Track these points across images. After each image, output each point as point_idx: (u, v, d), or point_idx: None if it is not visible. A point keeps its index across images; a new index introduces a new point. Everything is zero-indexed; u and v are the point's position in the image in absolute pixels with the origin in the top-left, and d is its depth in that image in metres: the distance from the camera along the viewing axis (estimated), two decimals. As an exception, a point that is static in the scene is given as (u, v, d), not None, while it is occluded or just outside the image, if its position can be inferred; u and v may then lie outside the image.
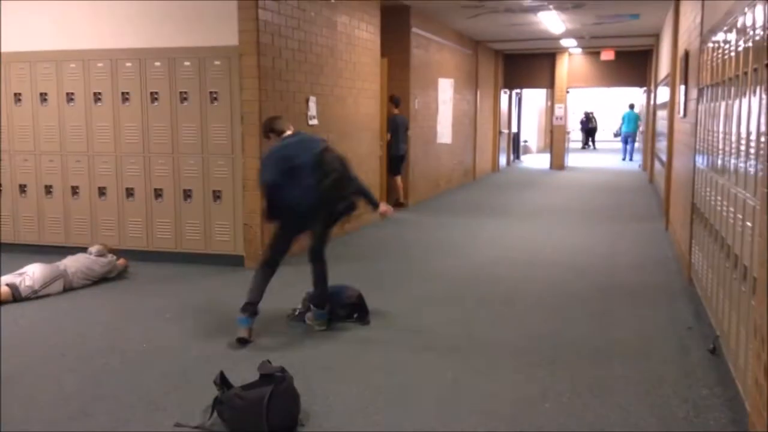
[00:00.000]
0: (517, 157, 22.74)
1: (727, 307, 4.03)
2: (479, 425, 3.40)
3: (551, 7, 11.27)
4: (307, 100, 7.59)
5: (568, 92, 19.24)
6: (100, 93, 6.99)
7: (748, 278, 3.38)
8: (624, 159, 22.64)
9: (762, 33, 3.31)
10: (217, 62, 6.66)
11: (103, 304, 5.57)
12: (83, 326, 4.98)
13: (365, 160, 9.44)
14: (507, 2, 10.93)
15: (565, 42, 16.44)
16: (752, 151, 3.44)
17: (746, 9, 3.77)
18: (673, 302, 5.64)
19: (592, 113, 29.05)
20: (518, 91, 21.95)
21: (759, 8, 3.41)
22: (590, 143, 29.04)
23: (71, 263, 6.01)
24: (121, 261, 6.45)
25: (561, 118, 19.16)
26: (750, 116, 3.54)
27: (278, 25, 6.90)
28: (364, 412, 3.55)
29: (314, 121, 7.74)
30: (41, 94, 7.14)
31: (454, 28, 13.90)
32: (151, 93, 6.85)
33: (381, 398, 3.71)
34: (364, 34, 9.21)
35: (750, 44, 3.62)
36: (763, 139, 3.12)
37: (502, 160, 19.81)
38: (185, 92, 6.76)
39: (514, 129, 22.21)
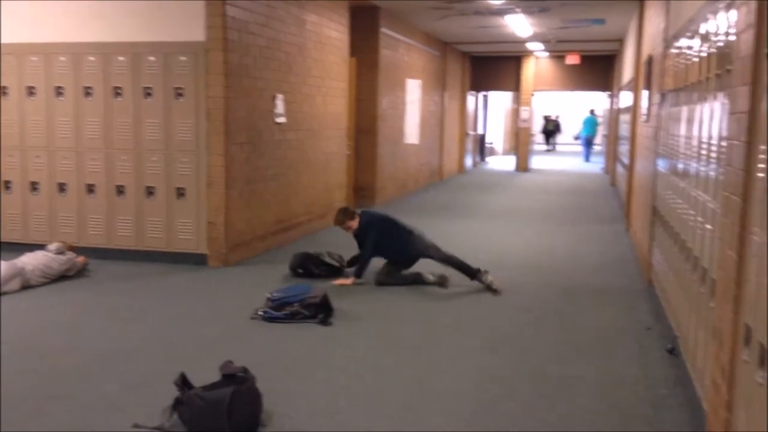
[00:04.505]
0: (483, 158, 22.91)
1: (686, 308, 4.10)
2: (442, 426, 3.40)
3: (518, 10, 11.36)
4: (275, 98, 7.53)
5: (533, 95, 19.43)
6: (62, 87, 6.86)
7: (707, 280, 3.44)
8: (586, 161, 23.36)
9: (724, 39, 3.37)
10: (182, 58, 6.57)
11: (61, 303, 5.46)
12: (41, 325, 4.87)
13: (333, 159, 9.42)
14: (475, 5, 11.00)
15: (531, 45, 16.60)
16: (713, 155, 3.50)
17: (709, 16, 3.84)
18: (633, 303, 5.72)
19: (551, 116, 29.84)
20: (485, 93, 22.12)
21: (721, 15, 3.47)
22: (550, 145, 29.84)
23: (29, 261, 5.87)
24: (81, 259, 6.33)
25: (526, 121, 19.35)
26: (711, 121, 3.60)
27: (246, 21, 6.84)
28: (327, 412, 3.53)
29: (282, 119, 7.69)
30: (2, 87, 6.97)
31: (422, 29, 13.94)
32: (114, 88, 6.73)
33: (344, 399, 3.70)
34: (333, 33, 9.18)
35: (713, 50, 3.68)
36: (723, 143, 3.17)
37: (468, 161, 19.93)
38: (149, 88, 6.66)
39: (481, 131, 22.38)
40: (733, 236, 2.75)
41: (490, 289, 5.97)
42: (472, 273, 6.10)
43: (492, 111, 24.95)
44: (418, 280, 6.16)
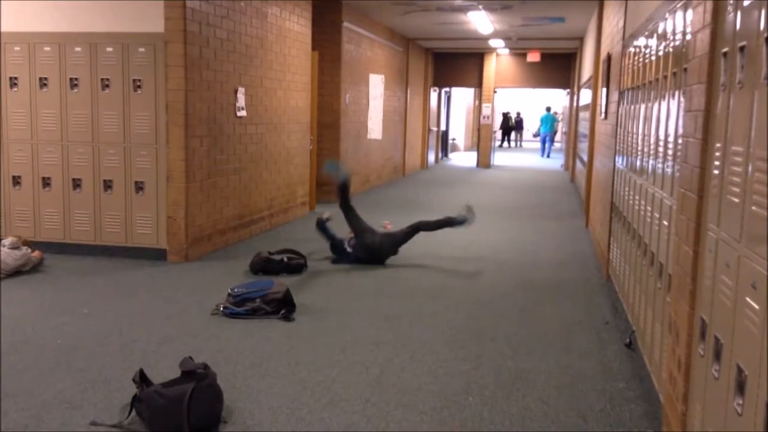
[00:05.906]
0: (446, 154, 23.04)
1: (643, 302, 4.18)
2: (404, 420, 3.42)
3: (480, 7, 11.43)
4: (236, 91, 7.46)
5: (495, 92, 19.59)
6: (16, 78, 6.69)
7: (664, 275, 3.51)
8: (542, 156, 23.88)
9: (681, 38, 3.43)
10: (141, 49, 6.46)
11: (16, 299, 5.33)
12: (-6, 321, 4.76)
13: (295, 153, 9.37)
14: (438, 1, 11.03)
15: (493, 42, 16.72)
16: (669, 152, 3.57)
17: (666, 15, 3.91)
18: (591, 298, 5.81)
19: (509, 113, 30.38)
20: (447, 89, 22.23)
21: (678, 15, 3.54)
22: (507, 142, 30.50)
23: (-19, 255, 5.73)
24: (36, 253, 6.19)
25: (488, 117, 19.50)
26: (668, 119, 3.67)
27: (206, 13, 6.75)
28: (289, 408, 3.51)
29: (242, 113, 7.62)
30: (-50, 76, 6.78)
31: (385, 24, 13.93)
32: (71, 79, 6.59)
33: (306, 394, 3.69)
34: (294, 27, 9.12)
35: (669, 49, 3.75)
36: (680, 140, 3.23)
37: (431, 157, 20.01)
38: (107, 79, 6.54)
39: (443, 127, 22.48)
40: (689, 232, 2.81)
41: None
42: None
43: (455, 107, 25.11)
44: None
